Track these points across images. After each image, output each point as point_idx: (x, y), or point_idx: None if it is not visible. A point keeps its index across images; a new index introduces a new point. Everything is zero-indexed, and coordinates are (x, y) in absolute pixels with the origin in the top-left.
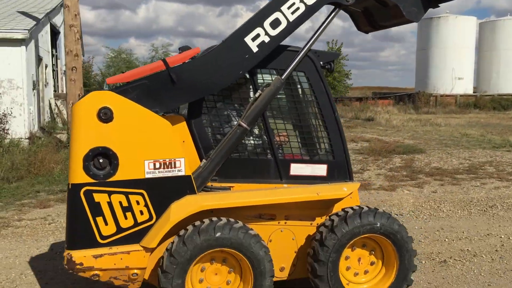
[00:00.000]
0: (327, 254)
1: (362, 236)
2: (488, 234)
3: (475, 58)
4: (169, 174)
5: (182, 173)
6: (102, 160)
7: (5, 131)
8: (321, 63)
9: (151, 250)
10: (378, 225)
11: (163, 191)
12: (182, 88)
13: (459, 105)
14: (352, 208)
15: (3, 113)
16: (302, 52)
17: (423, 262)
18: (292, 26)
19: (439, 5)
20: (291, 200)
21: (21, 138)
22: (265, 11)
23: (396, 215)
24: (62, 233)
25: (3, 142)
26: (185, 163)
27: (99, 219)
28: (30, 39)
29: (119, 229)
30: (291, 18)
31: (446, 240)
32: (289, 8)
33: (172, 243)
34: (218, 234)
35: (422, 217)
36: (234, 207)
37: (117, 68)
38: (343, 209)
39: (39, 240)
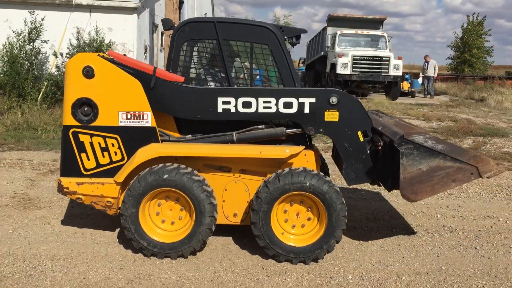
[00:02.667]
0: (260, 204)
1: (293, 193)
2: (488, 216)
3: None
4: (138, 124)
5: (148, 124)
6: (86, 108)
7: None
8: (285, 37)
9: (121, 184)
10: (308, 184)
11: (133, 138)
12: (153, 97)
13: None
14: (290, 168)
15: None
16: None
17: (394, 230)
18: (257, 116)
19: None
20: (235, 155)
21: None
22: (250, 90)
23: None
24: None
25: None
26: (151, 116)
27: (83, 155)
28: (143, 8)
29: (98, 165)
30: (260, 110)
31: (438, 216)
32: (264, 102)
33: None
34: (165, 176)
35: (440, 195)
36: (195, 157)
37: None
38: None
39: None
